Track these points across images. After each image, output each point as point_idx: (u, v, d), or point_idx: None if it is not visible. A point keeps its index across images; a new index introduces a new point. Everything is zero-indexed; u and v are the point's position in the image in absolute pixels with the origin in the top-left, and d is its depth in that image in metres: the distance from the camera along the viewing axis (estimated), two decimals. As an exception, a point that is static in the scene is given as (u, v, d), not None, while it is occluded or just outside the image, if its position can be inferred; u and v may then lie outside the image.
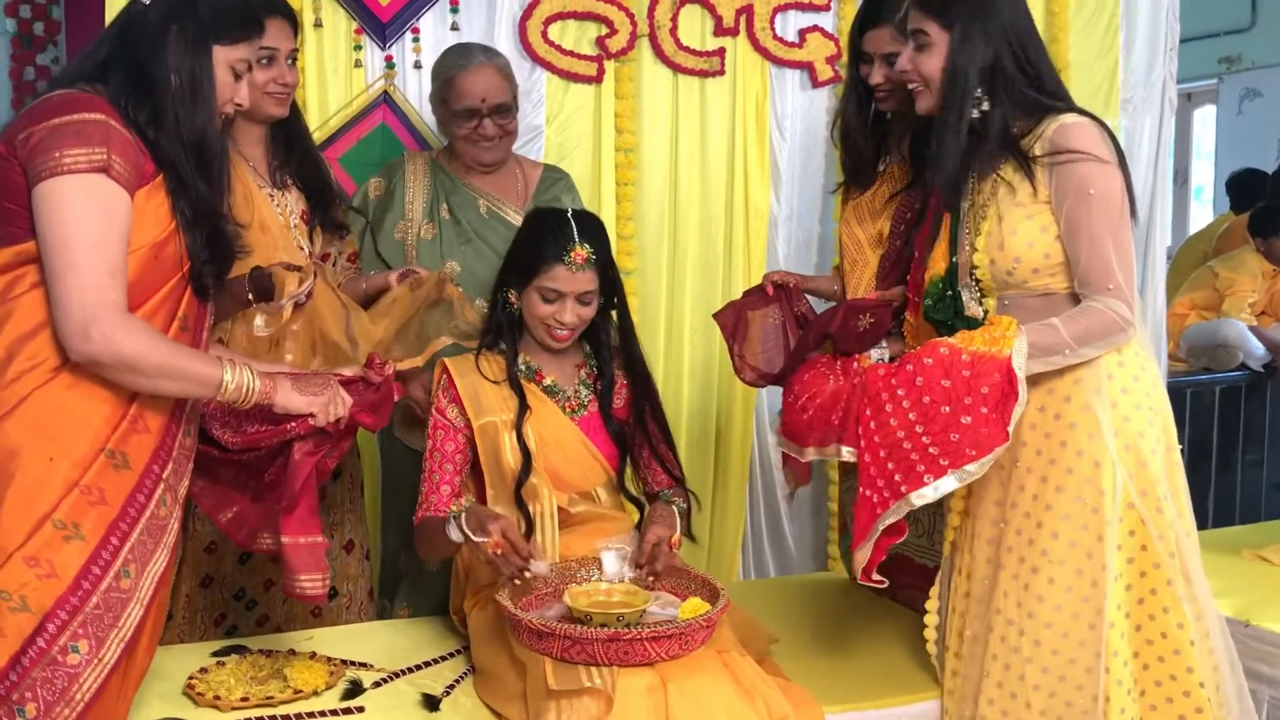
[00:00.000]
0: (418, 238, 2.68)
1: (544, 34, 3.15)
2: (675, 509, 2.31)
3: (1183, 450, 4.38)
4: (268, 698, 2.00)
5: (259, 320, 2.14)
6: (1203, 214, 7.48)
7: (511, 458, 2.26)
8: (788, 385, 2.26)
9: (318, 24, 2.94)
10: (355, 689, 2.06)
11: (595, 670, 1.87)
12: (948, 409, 1.91)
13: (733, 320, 2.61)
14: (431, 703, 2.03)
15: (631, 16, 3.21)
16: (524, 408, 2.28)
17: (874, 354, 2.19)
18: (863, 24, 2.57)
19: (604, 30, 3.21)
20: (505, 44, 3.12)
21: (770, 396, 3.34)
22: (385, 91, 3.01)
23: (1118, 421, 1.99)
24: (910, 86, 2.12)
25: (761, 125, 3.42)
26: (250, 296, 2.18)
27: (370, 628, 2.48)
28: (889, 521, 1.92)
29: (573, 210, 2.36)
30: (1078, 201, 1.97)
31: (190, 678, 2.06)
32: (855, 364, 2.15)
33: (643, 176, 3.31)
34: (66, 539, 1.69)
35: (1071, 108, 2.07)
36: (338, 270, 2.60)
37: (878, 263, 2.60)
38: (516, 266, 2.32)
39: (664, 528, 2.21)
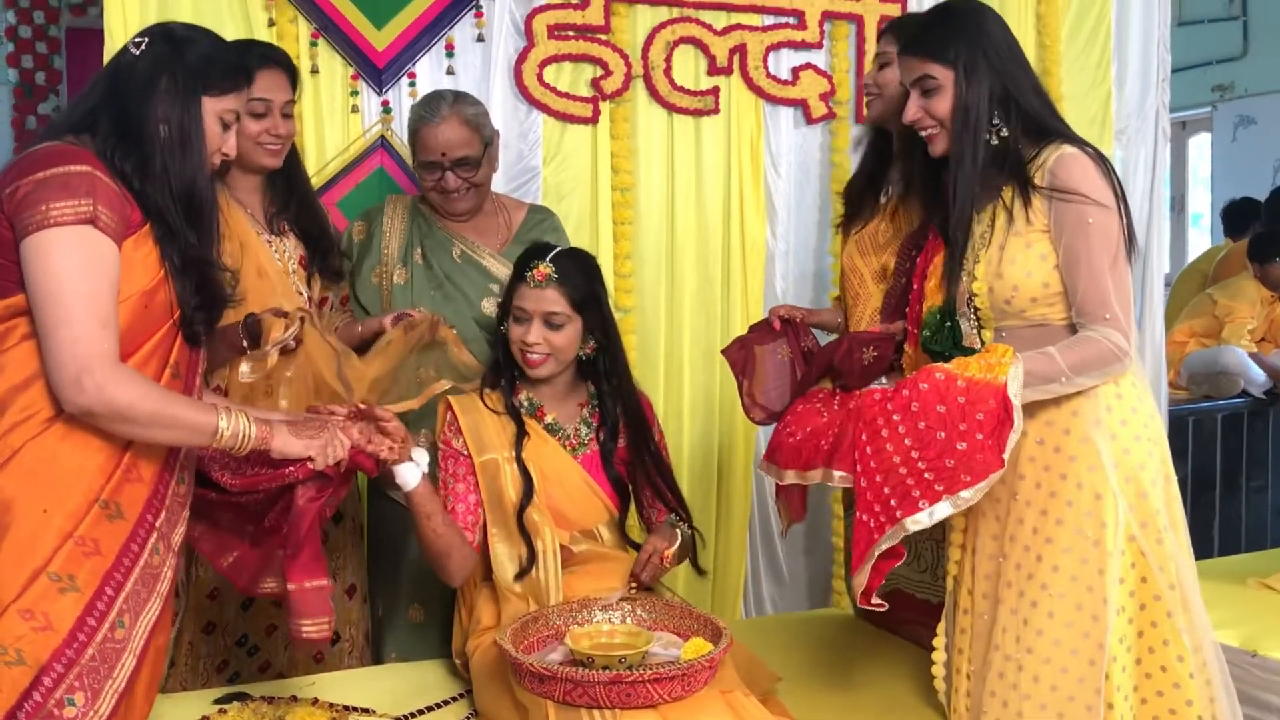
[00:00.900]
0: (391, 282, 2.66)
1: (539, 77, 3.18)
2: (679, 531, 2.32)
3: (1186, 478, 4.42)
4: (270, 746, 1.98)
5: (244, 367, 2.13)
6: (1201, 240, 7.51)
7: (512, 490, 2.27)
8: (782, 417, 2.26)
9: (314, 70, 2.97)
10: (358, 736, 2.04)
11: (598, 714, 1.85)
12: (943, 435, 1.91)
13: (741, 356, 2.60)
14: (434, 748, 2.01)
15: (626, 58, 3.25)
16: (522, 433, 2.30)
17: (875, 385, 2.19)
18: (892, 56, 2.57)
19: (599, 72, 3.24)
20: (501, 87, 3.16)
21: (768, 433, 3.34)
22: (382, 136, 3.04)
23: (1117, 453, 1.99)
24: (924, 133, 2.12)
25: (756, 162, 3.45)
26: (245, 344, 2.19)
27: (373, 672, 2.47)
28: (885, 546, 1.91)
29: (562, 247, 2.39)
30: (1077, 233, 1.98)
31: None
32: (853, 401, 2.15)
33: (640, 215, 3.33)
34: (62, 591, 1.68)
35: (1072, 137, 2.08)
36: (334, 314, 2.61)
37: (881, 297, 2.61)
38: (503, 299, 2.37)
39: (660, 540, 2.23)
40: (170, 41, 1.84)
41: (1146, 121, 3.91)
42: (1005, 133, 2.04)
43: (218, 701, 2.18)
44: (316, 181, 2.93)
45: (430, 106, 2.61)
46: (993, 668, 2.01)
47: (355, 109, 3.03)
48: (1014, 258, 2.03)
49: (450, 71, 3.10)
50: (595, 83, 3.24)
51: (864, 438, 1.98)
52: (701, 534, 2.43)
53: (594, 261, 2.44)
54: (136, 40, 1.84)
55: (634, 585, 2.22)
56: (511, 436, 2.30)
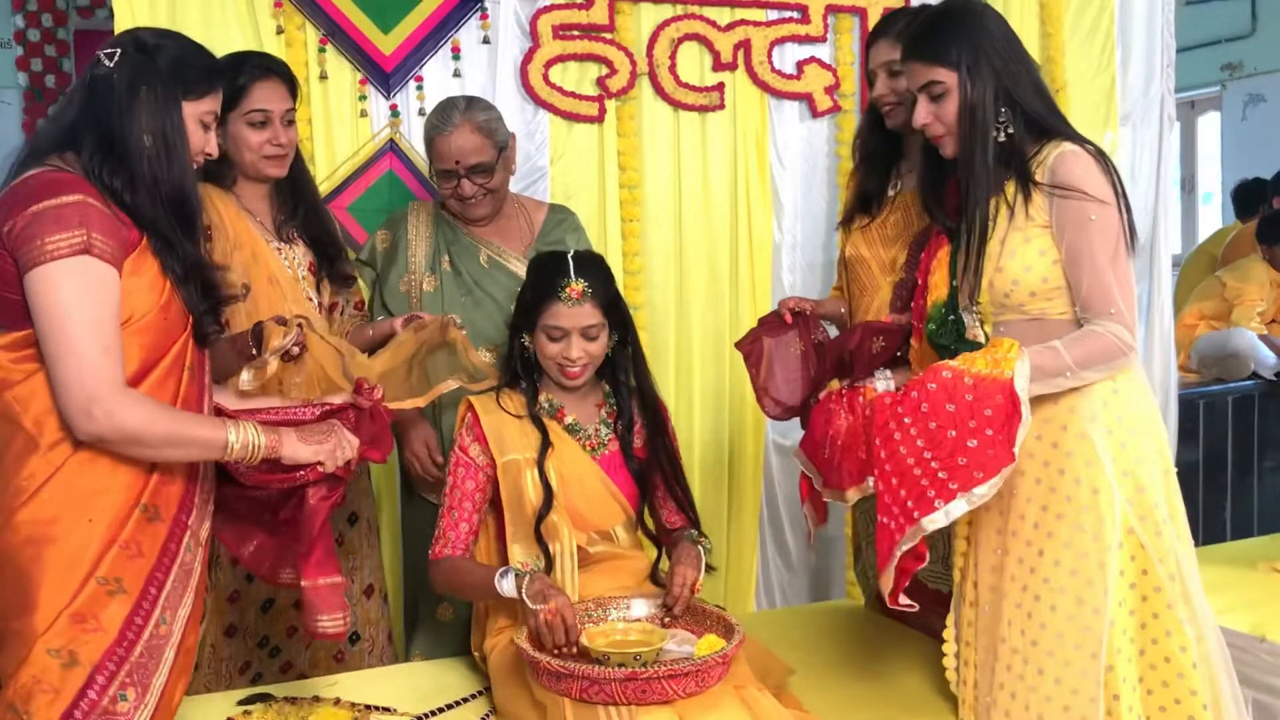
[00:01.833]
0: (420, 290, 2.69)
1: (545, 77, 3.20)
2: (701, 548, 2.33)
3: (1198, 462, 4.43)
4: (294, 747, 2.03)
5: (245, 375, 2.15)
6: (1212, 219, 7.49)
7: (534, 494, 2.30)
8: (806, 433, 2.27)
9: (323, 76, 3.00)
10: (379, 735, 2.07)
11: (614, 710, 1.89)
12: (954, 433, 1.93)
13: (755, 350, 2.62)
14: (454, 747, 2.05)
15: (631, 56, 3.26)
16: (546, 444, 2.32)
17: (879, 384, 2.20)
18: (869, 43, 2.65)
19: (604, 70, 3.26)
20: (507, 88, 3.18)
21: (776, 425, 3.36)
22: (391, 139, 3.07)
23: (1115, 448, 2.01)
24: (934, 136, 2.14)
25: (762, 156, 3.47)
26: (254, 351, 2.23)
27: (392, 671, 2.51)
28: (905, 547, 1.93)
29: (571, 251, 2.41)
30: (1079, 230, 2.00)
31: None
32: (860, 398, 2.17)
33: (647, 212, 3.35)
34: (110, 594, 1.75)
35: (1072, 135, 2.10)
36: (345, 319, 2.65)
37: (890, 289, 2.63)
38: (523, 310, 2.38)
39: (692, 569, 2.24)
40: (143, 50, 1.85)
41: (1151, 107, 3.90)
42: (1011, 130, 2.06)
43: (242, 703, 2.22)
44: (327, 186, 2.98)
45: (443, 115, 2.64)
46: (1000, 660, 2.04)
47: (364, 113, 3.05)
48: (1014, 252, 2.05)
49: (457, 74, 3.13)
50: (601, 81, 3.26)
51: (877, 442, 2.00)
52: (709, 540, 2.43)
53: (607, 264, 2.47)
54: (108, 51, 1.84)
55: (667, 618, 2.22)
56: (534, 441, 2.33)
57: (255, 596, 2.51)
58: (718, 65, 3.38)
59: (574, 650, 2.06)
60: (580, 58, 3.25)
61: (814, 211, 3.55)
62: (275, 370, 2.21)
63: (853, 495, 2.14)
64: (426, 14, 3.07)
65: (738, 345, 2.65)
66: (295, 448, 1.91)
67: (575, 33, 3.22)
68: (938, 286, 2.21)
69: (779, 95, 3.46)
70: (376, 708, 2.19)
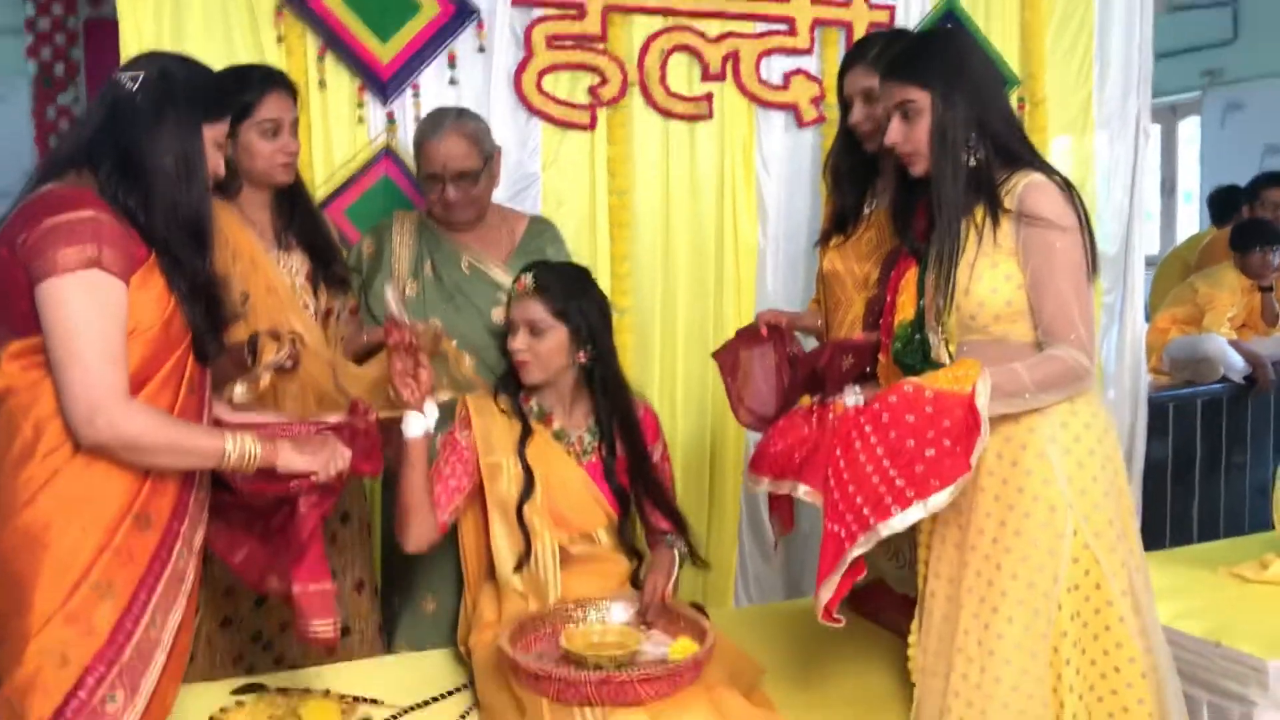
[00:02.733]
0: (403, 295, 2.75)
1: (539, 85, 3.28)
2: (675, 554, 2.43)
3: (1167, 461, 4.53)
4: (285, 737, 2.10)
5: (239, 389, 2.21)
6: (1192, 218, 7.59)
7: (514, 487, 2.40)
8: (767, 432, 2.38)
9: (321, 84, 3.07)
10: (366, 727, 2.16)
11: (589, 711, 1.98)
12: (913, 443, 1.99)
13: (731, 360, 2.72)
14: (439, 739, 2.14)
15: (622, 66, 3.34)
16: (527, 431, 2.43)
17: (849, 399, 2.27)
18: (842, 68, 2.74)
19: (596, 80, 3.33)
20: (501, 96, 3.26)
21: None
22: (387, 146, 3.14)
23: (1071, 468, 2.09)
24: (902, 155, 2.20)
25: (749, 165, 3.55)
26: (249, 362, 2.30)
27: (381, 663, 2.59)
28: (857, 553, 1.99)
29: (549, 262, 2.54)
30: (1044, 258, 2.07)
31: (211, 717, 2.17)
32: (830, 414, 2.26)
33: (636, 218, 3.44)
34: (101, 597, 1.81)
35: (1040, 165, 2.18)
36: (341, 324, 2.72)
37: (863, 304, 2.71)
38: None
39: (660, 576, 2.34)
40: (166, 75, 1.91)
41: (1127, 119, 4.00)
42: (981, 155, 2.14)
43: (235, 693, 2.30)
44: (324, 190, 3.06)
45: (433, 122, 2.73)
46: (955, 669, 2.12)
47: (361, 120, 3.12)
48: (980, 275, 2.12)
49: (453, 82, 3.20)
50: (593, 90, 3.34)
51: (838, 450, 2.07)
52: (696, 545, 2.55)
53: (583, 275, 2.56)
54: (131, 75, 1.91)
55: (644, 624, 2.33)
56: (516, 435, 2.44)
57: (249, 591, 2.58)
58: (706, 76, 3.46)
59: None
60: (573, 67, 3.32)
61: (798, 219, 3.63)
62: (269, 383, 2.30)
63: (764, 487, 2.24)
64: (423, 24, 3.14)
65: (715, 356, 2.75)
66: (290, 458, 1.98)
67: (568, 43, 3.30)
68: (904, 306, 2.29)
69: (766, 105, 3.54)
70: (365, 699, 2.28)
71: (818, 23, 3.56)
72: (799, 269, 3.65)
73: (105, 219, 1.82)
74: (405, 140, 3.14)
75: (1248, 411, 4.79)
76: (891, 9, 3.62)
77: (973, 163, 2.14)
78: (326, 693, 2.29)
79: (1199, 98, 7.32)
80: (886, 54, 2.58)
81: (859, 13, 3.57)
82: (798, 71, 3.56)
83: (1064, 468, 2.09)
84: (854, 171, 2.76)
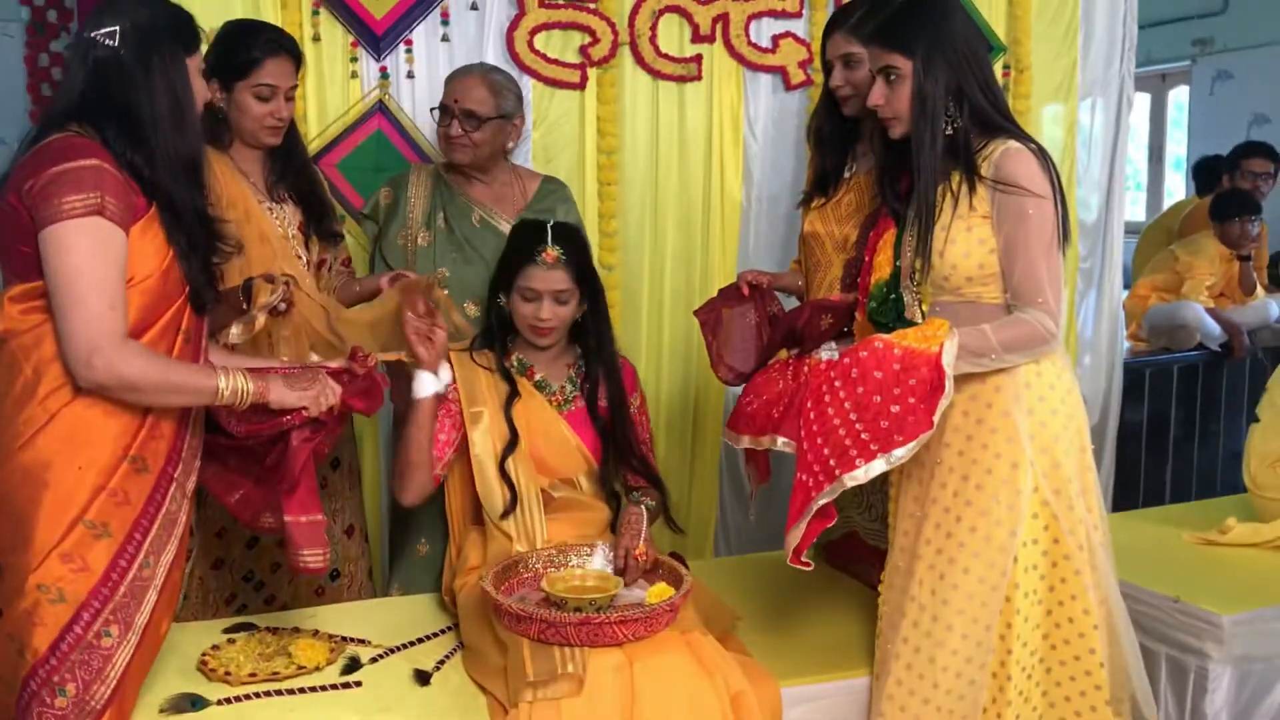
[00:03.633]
0: (415, 244, 2.86)
1: (530, 44, 3.32)
2: (644, 510, 2.49)
3: (1142, 425, 4.60)
4: (274, 673, 2.17)
5: (235, 329, 2.27)
6: (1180, 186, 7.63)
7: (497, 438, 2.47)
8: (744, 388, 2.45)
9: (316, 38, 3.11)
10: (354, 665, 2.23)
11: (569, 652, 2.06)
12: (879, 398, 2.05)
13: (713, 318, 2.78)
14: (423, 677, 2.20)
15: (613, 26, 3.38)
16: (514, 394, 2.50)
17: (824, 354, 2.33)
18: (825, 32, 2.79)
19: (587, 39, 3.37)
20: (493, 53, 3.29)
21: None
22: (380, 100, 3.18)
23: (1034, 427, 2.16)
24: (883, 118, 2.26)
25: (736, 126, 3.60)
26: (245, 305, 2.36)
27: (368, 605, 2.66)
28: (822, 503, 2.05)
29: (551, 221, 2.57)
30: (1016, 224, 2.13)
31: (203, 654, 2.23)
32: (805, 367, 2.33)
33: (624, 176, 3.49)
34: (97, 537, 1.88)
35: (1019, 133, 2.23)
36: (333, 275, 2.78)
37: (841, 265, 2.77)
38: (502, 272, 2.56)
39: (630, 538, 2.40)
40: (141, 28, 1.92)
41: (1110, 87, 4.05)
42: (959, 123, 2.19)
43: (226, 631, 2.37)
44: (317, 144, 3.10)
45: (466, 65, 2.89)
46: (907, 617, 2.20)
47: (355, 75, 3.17)
48: (955, 238, 2.17)
49: (445, 39, 3.24)
50: (583, 50, 3.37)
51: (809, 404, 2.13)
52: (668, 496, 2.62)
53: (584, 235, 2.65)
54: (106, 32, 1.91)
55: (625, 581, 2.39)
56: (501, 392, 2.51)
57: (241, 533, 2.67)
58: (696, 38, 3.49)
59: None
60: (564, 26, 3.36)
61: (783, 181, 3.68)
62: (263, 325, 2.36)
63: (745, 442, 2.31)
64: (418, -21, 3.18)
65: (696, 313, 2.81)
66: (282, 393, 2.05)
67: (560, 2, 3.33)
68: (881, 266, 2.35)
69: (754, 68, 3.58)
70: (352, 639, 2.34)
71: (807, -15, 3.59)
72: (781, 230, 3.70)
73: (109, 169, 1.87)
74: (398, 95, 3.18)
75: (1223, 378, 4.87)
76: (880, -28, 3.65)
77: (949, 130, 2.18)
78: (315, 633, 2.35)
79: (1189, 67, 7.34)
80: (869, 19, 2.63)
81: (848, -24, 3.61)
82: (786, 35, 3.59)
83: (1027, 426, 2.15)
84: (835, 134, 2.82)
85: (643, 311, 3.59)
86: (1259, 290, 5.07)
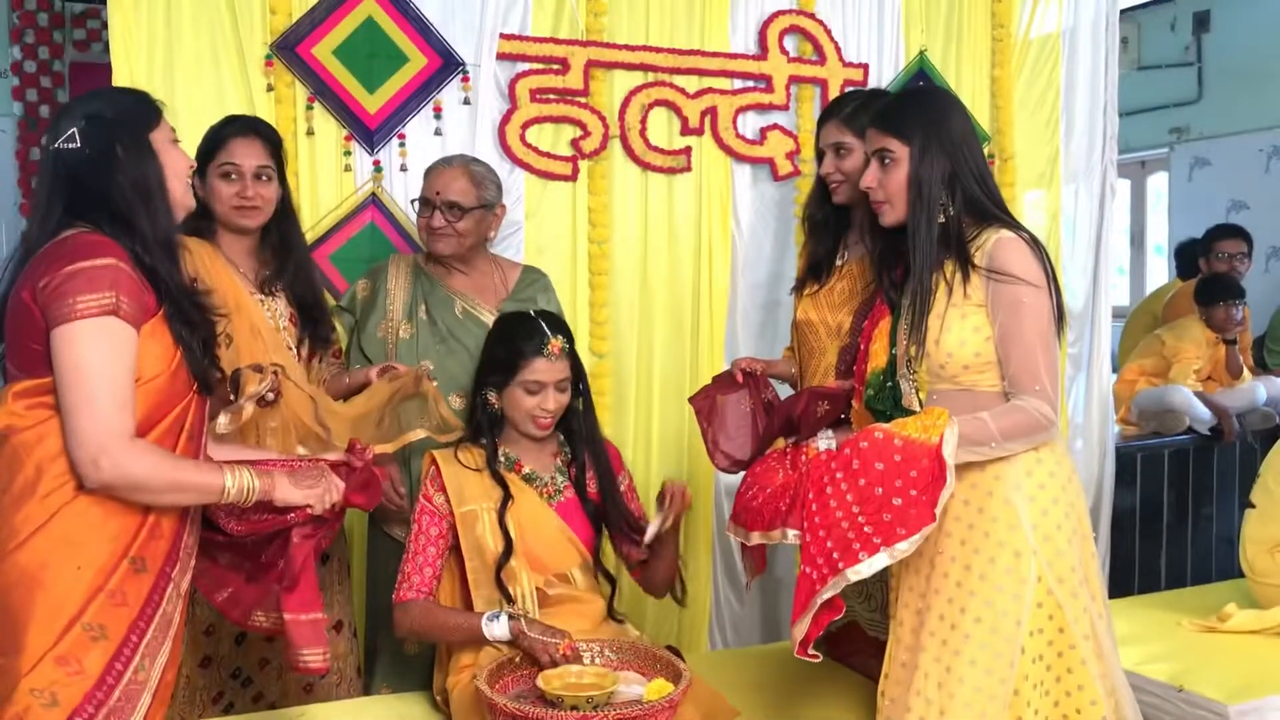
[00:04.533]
0: (397, 337, 2.85)
1: (522, 137, 3.36)
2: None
3: (1135, 510, 4.60)
4: (265, 774, 2.14)
5: (223, 419, 2.25)
6: (1162, 271, 7.73)
7: (493, 542, 2.44)
8: (743, 479, 2.43)
9: (310, 132, 3.14)
10: (346, 766, 2.21)
11: (566, 751, 2.03)
12: (881, 490, 2.04)
13: (707, 405, 2.78)
14: (417, 779, 2.18)
15: (603, 119, 3.43)
16: (507, 497, 2.47)
17: (821, 443, 2.32)
18: (819, 121, 2.83)
19: (578, 132, 3.42)
20: (486, 147, 3.33)
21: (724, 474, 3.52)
22: (373, 193, 3.21)
23: (1036, 515, 2.15)
24: (875, 202, 2.29)
25: (725, 217, 3.65)
26: (232, 396, 2.35)
27: (359, 704, 2.61)
28: (826, 596, 2.03)
29: (537, 311, 2.58)
30: (1011, 312, 2.15)
31: None
32: (803, 456, 2.32)
33: (615, 266, 3.51)
34: (94, 639, 1.83)
35: (1011, 222, 2.26)
36: (323, 366, 2.77)
37: (836, 352, 2.79)
38: (496, 368, 2.53)
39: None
40: (93, 118, 1.93)
41: (1093, 174, 4.14)
42: (951, 211, 2.22)
43: (215, 731, 2.35)
44: (311, 236, 3.11)
45: (447, 157, 2.90)
46: (912, 711, 2.16)
47: (348, 168, 3.19)
48: (950, 327, 2.19)
49: (438, 132, 3.28)
50: (575, 143, 3.42)
51: (810, 495, 2.12)
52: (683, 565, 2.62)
53: (566, 322, 2.67)
54: (66, 135, 1.91)
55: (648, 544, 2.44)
56: (492, 493, 2.47)
57: (230, 629, 2.62)
58: (685, 130, 3.55)
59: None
60: (555, 120, 3.41)
61: (771, 270, 3.72)
62: (250, 415, 2.34)
63: (755, 538, 2.28)
64: (410, 75, 3.23)
65: (691, 401, 2.81)
66: (287, 490, 2.02)
67: (551, 96, 3.39)
68: (877, 355, 2.36)
69: (742, 159, 3.64)
70: (344, 739, 2.33)
71: (794, 80, 3.67)
72: (770, 319, 3.73)
73: (124, 268, 1.87)
74: (390, 188, 3.21)
75: (1214, 462, 4.87)
76: (865, 67, 3.74)
77: (942, 218, 2.21)
78: (305, 732, 2.32)
79: (1167, 154, 7.49)
80: (863, 111, 2.69)
81: (834, 70, 3.69)
82: (774, 127, 3.66)
83: (1029, 515, 2.15)
84: (827, 222, 2.85)
85: (633, 399, 3.59)
86: (1246, 374, 5.09)
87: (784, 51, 3.66)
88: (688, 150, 3.56)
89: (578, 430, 2.60)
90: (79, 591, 1.84)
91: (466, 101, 3.32)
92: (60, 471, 1.85)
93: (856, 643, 2.81)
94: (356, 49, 3.17)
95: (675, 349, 3.62)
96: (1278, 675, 2.77)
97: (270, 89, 3.09)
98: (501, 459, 2.53)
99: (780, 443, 2.49)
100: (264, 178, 2.60)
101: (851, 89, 3.42)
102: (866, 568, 2.02)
